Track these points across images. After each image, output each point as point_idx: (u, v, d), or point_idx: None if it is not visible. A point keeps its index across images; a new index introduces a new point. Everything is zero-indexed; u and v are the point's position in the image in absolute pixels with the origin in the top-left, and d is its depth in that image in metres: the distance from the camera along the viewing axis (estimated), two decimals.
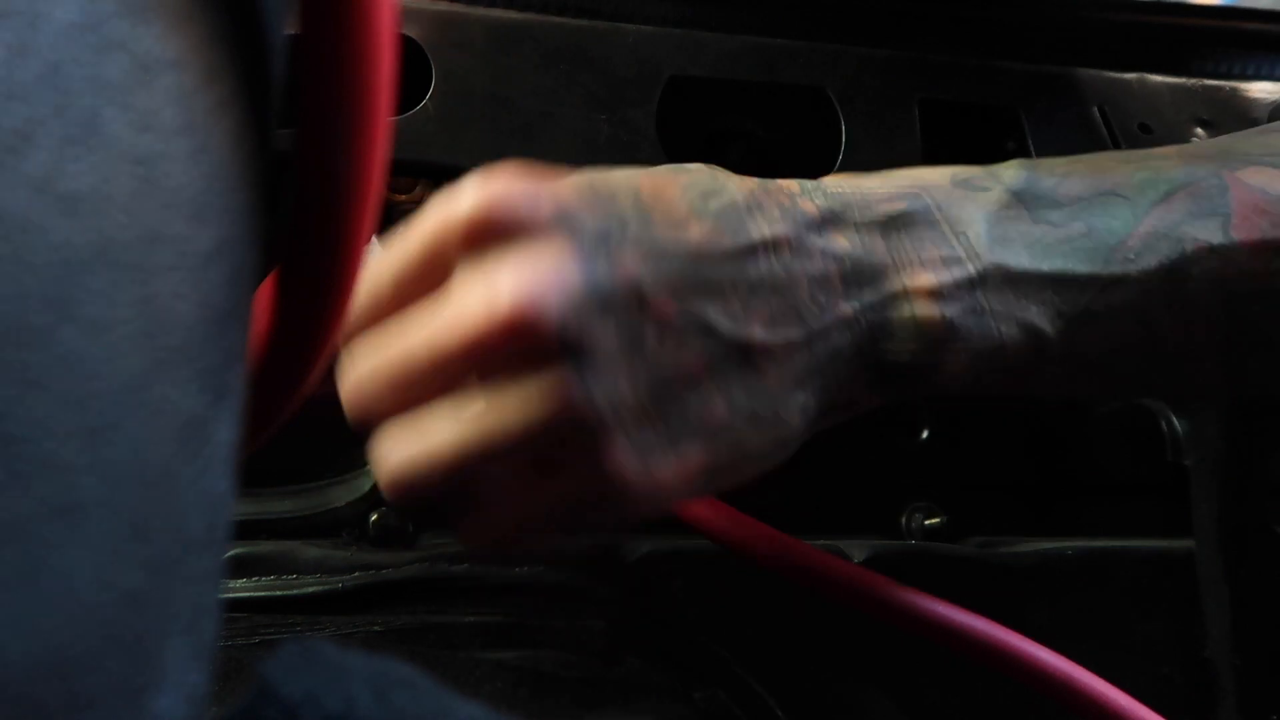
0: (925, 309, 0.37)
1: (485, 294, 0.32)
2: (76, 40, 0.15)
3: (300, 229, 0.21)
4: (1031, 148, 0.54)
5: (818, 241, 0.36)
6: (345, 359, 0.35)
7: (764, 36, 0.52)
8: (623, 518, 0.34)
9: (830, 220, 0.37)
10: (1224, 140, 0.44)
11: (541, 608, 0.47)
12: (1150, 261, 0.38)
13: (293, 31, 0.20)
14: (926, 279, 0.37)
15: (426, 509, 0.36)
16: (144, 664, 0.16)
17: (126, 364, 0.15)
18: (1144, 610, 0.55)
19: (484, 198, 0.33)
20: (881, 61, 0.53)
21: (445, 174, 0.47)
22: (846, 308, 0.36)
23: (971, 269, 0.37)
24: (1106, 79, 0.57)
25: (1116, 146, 0.55)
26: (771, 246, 0.36)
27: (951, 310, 0.37)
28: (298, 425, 0.32)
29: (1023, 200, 0.39)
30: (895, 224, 0.37)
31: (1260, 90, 0.59)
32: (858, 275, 0.36)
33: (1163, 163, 0.40)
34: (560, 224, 0.33)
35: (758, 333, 0.35)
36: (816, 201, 0.37)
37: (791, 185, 0.37)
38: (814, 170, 0.51)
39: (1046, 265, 0.38)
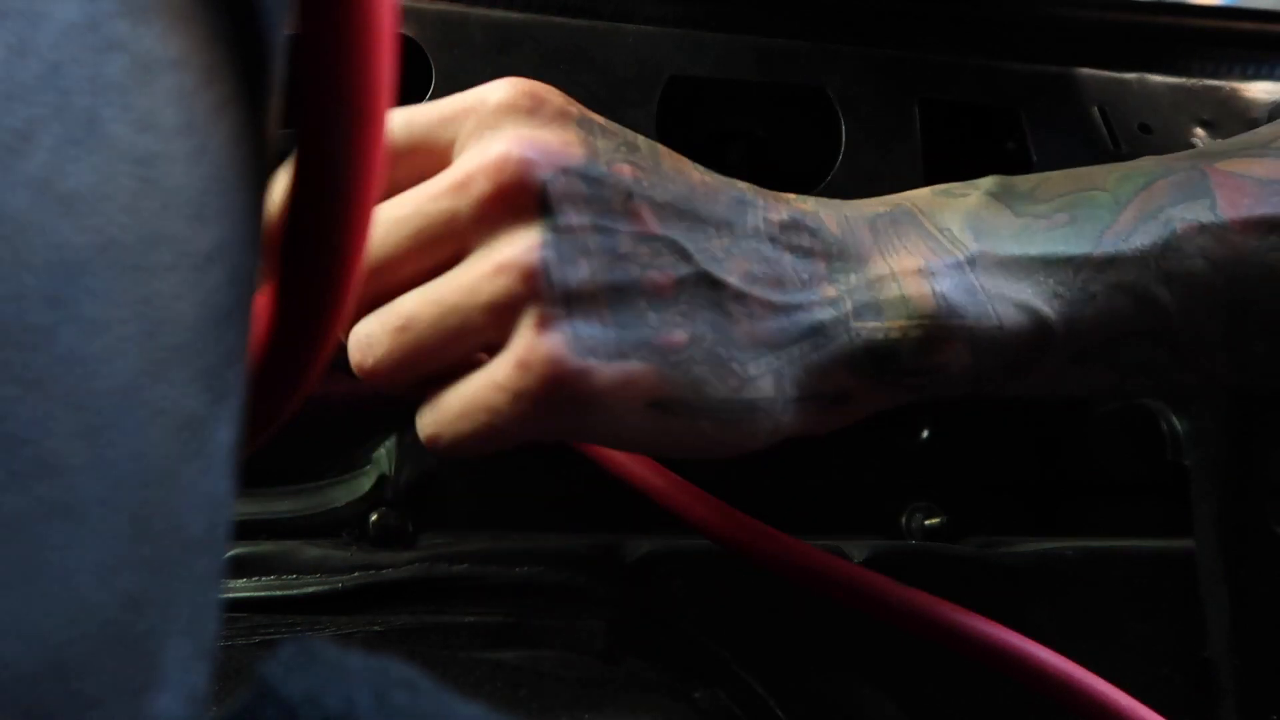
0: (914, 285, 0.36)
1: (484, 147, 0.33)
2: (76, 40, 0.15)
3: (300, 229, 0.21)
4: (1031, 148, 0.54)
5: (808, 223, 0.36)
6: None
7: (764, 36, 0.52)
8: (556, 422, 0.33)
9: (821, 209, 0.37)
10: (1197, 149, 0.44)
11: (541, 608, 0.47)
12: (1141, 241, 0.37)
13: (293, 31, 0.20)
14: (913, 260, 0.36)
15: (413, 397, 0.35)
16: (144, 664, 0.16)
17: (126, 364, 0.15)
18: (1144, 610, 0.55)
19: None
20: (881, 61, 0.53)
21: None
22: (831, 287, 0.36)
23: (959, 253, 0.37)
24: (1106, 79, 0.57)
25: (1116, 146, 0.55)
26: (763, 216, 0.36)
27: (942, 286, 0.36)
28: (298, 425, 0.32)
29: (1002, 199, 0.39)
30: (881, 220, 0.38)
31: (1260, 90, 0.59)
32: (843, 257, 0.36)
33: (1139, 164, 0.40)
34: (577, 119, 0.34)
35: (735, 279, 0.34)
36: (809, 200, 0.37)
37: (787, 195, 0.38)
38: (814, 170, 0.51)
39: (1035, 250, 0.37)
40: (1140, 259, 0.37)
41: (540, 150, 0.33)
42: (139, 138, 0.15)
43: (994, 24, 0.56)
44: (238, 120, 0.18)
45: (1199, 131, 0.57)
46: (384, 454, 0.48)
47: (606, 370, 0.32)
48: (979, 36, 0.56)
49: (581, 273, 0.32)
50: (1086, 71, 0.57)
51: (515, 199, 0.32)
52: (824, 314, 0.35)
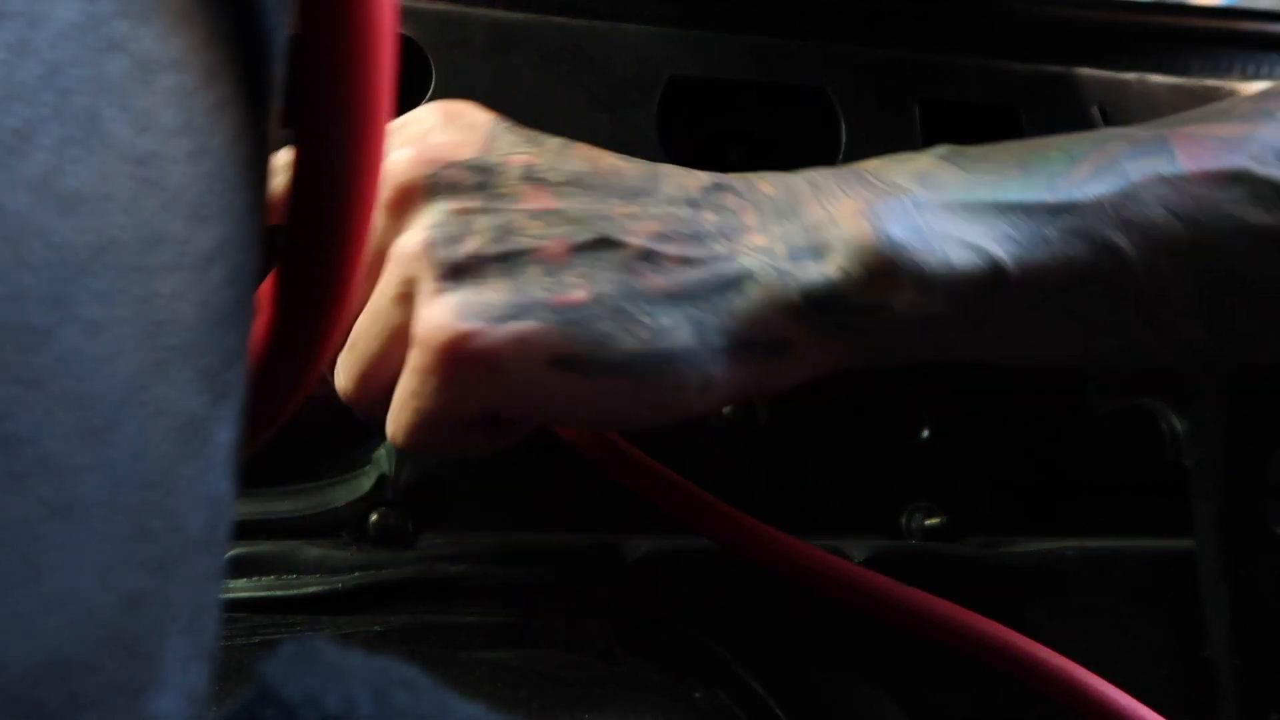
0: (853, 225, 0.35)
1: (389, 162, 0.34)
2: (76, 40, 0.15)
3: (300, 229, 0.21)
4: None
5: (735, 185, 0.36)
6: None
7: (764, 36, 0.52)
8: (467, 391, 0.33)
9: (755, 175, 0.37)
10: (1157, 120, 0.43)
11: (541, 608, 0.47)
12: (1098, 189, 0.36)
13: (293, 31, 0.20)
14: (853, 204, 0.35)
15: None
16: (144, 664, 0.16)
17: (126, 364, 0.15)
18: (1144, 610, 0.55)
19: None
20: (881, 61, 0.53)
21: None
22: (759, 237, 0.35)
23: (902, 195, 0.36)
24: (1106, 79, 0.57)
25: None
26: (680, 183, 0.36)
27: (884, 223, 0.35)
28: (298, 425, 0.32)
29: (951, 159, 0.38)
30: (822, 176, 0.37)
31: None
32: (776, 210, 0.35)
33: (1096, 131, 0.39)
34: (486, 125, 0.36)
35: (639, 239, 0.34)
36: (747, 174, 0.37)
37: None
38: None
39: (984, 196, 0.36)
40: (1096, 206, 0.36)
41: (432, 151, 0.34)
42: (139, 138, 0.15)
43: (994, 24, 0.56)
44: (238, 120, 0.18)
45: None
46: (384, 454, 0.48)
47: (498, 330, 0.32)
48: (979, 36, 0.56)
49: (468, 247, 0.33)
50: (1086, 71, 0.57)
51: (407, 197, 0.34)
52: (751, 261, 0.34)
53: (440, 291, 0.33)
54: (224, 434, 0.18)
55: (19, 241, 0.14)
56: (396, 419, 0.35)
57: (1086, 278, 0.36)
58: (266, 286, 0.22)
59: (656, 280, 0.34)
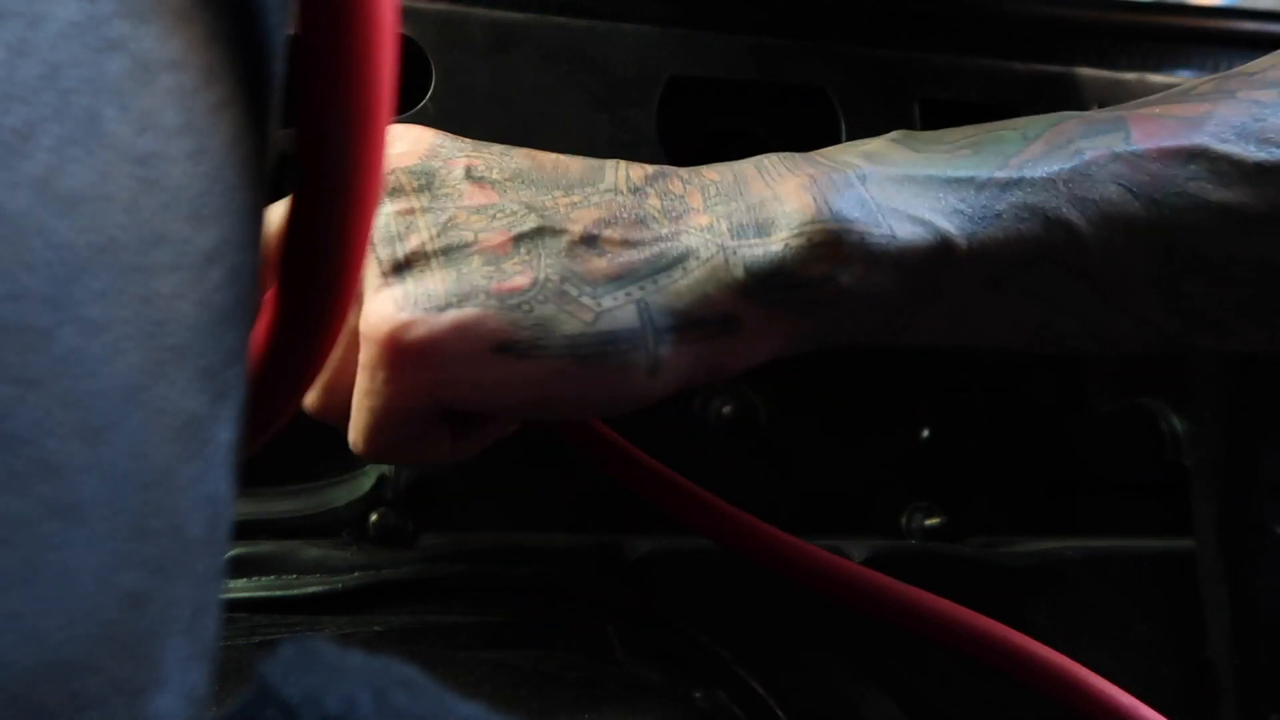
0: (797, 199, 0.34)
1: None
2: (76, 40, 0.15)
3: (300, 229, 0.21)
4: None
5: (679, 173, 0.36)
6: None
7: (764, 36, 0.52)
8: (412, 381, 0.33)
9: (703, 165, 0.37)
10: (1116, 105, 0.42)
11: (541, 608, 0.47)
12: (1049, 166, 0.36)
13: (293, 31, 0.20)
14: (798, 179, 0.35)
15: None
16: (144, 664, 0.16)
17: (126, 364, 0.15)
18: (1144, 610, 0.55)
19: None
20: (881, 61, 0.53)
21: None
22: (704, 216, 0.35)
23: (848, 171, 0.35)
24: (1106, 79, 0.57)
25: None
26: (624, 174, 0.36)
27: (829, 198, 0.34)
28: (298, 425, 0.32)
29: (903, 141, 0.37)
30: (769, 159, 0.37)
31: None
32: (721, 191, 0.35)
33: (1054, 113, 0.39)
34: (431, 139, 0.36)
35: (581, 226, 0.34)
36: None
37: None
38: None
39: (933, 171, 0.36)
40: (1048, 182, 0.35)
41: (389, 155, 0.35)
42: (139, 138, 0.15)
43: (994, 24, 0.56)
44: (238, 120, 0.18)
45: None
46: None
47: (439, 318, 0.33)
48: (979, 36, 0.56)
49: (411, 243, 0.34)
50: (1086, 71, 0.57)
51: None
52: (694, 240, 0.34)
53: (383, 286, 0.33)
54: (224, 434, 0.18)
55: (19, 241, 0.14)
56: (354, 423, 0.35)
57: (1039, 254, 0.36)
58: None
59: (598, 263, 0.34)
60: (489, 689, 0.42)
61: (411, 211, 0.34)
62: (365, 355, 0.33)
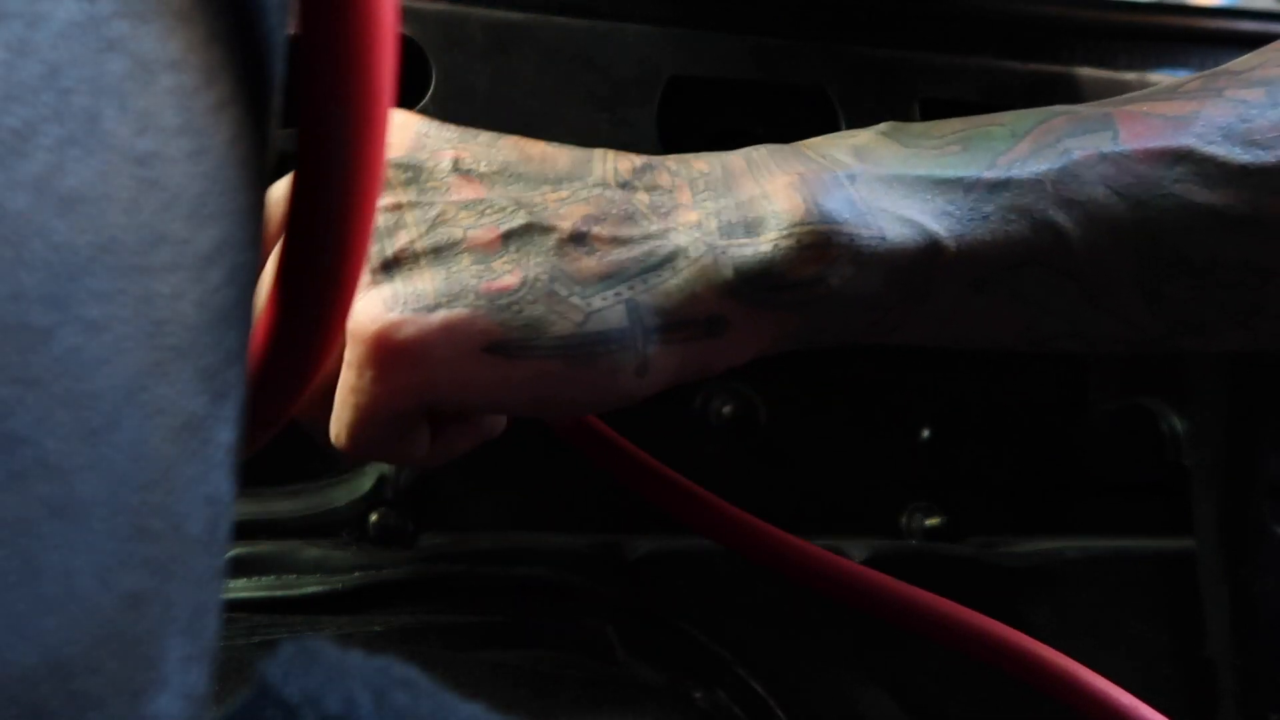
0: (785, 198, 0.34)
1: None
2: (76, 40, 0.15)
3: (300, 229, 0.21)
4: None
5: (668, 164, 0.36)
6: None
7: (764, 36, 0.52)
8: (401, 381, 0.33)
9: (691, 155, 0.37)
10: (1104, 100, 0.42)
11: (541, 608, 0.47)
12: (1037, 167, 0.35)
13: (293, 31, 0.20)
14: (786, 178, 0.35)
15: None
16: (144, 664, 0.16)
17: (126, 364, 0.15)
18: (1144, 610, 0.55)
19: None
20: (881, 61, 0.53)
21: None
22: (692, 213, 0.35)
23: (837, 170, 0.35)
24: (1106, 79, 0.57)
25: None
26: (613, 166, 0.36)
27: (816, 196, 0.34)
28: (298, 425, 0.32)
29: (891, 135, 0.37)
30: (758, 153, 0.37)
31: None
32: (710, 185, 0.35)
33: (1041, 108, 0.39)
34: (416, 127, 0.36)
35: (570, 223, 0.34)
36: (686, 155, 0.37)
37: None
38: None
39: (920, 171, 0.36)
40: (1035, 183, 0.35)
41: None
42: (139, 138, 0.15)
43: (994, 24, 0.56)
44: (238, 120, 0.18)
45: None
46: None
47: (428, 318, 0.32)
48: (979, 36, 0.56)
49: (399, 241, 0.33)
50: (1086, 71, 0.57)
51: None
52: (682, 238, 0.34)
53: (371, 285, 0.33)
54: (224, 434, 0.18)
55: (19, 241, 0.14)
56: (338, 419, 0.35)
57: (1026, 256, 0.36)
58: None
59: (588, 262, 0.34)
60: (489, 689, 0.42)
61: (399, 207, 0.34)
62: (352, 353, 0.33)
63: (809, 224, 0.34)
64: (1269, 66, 0.39)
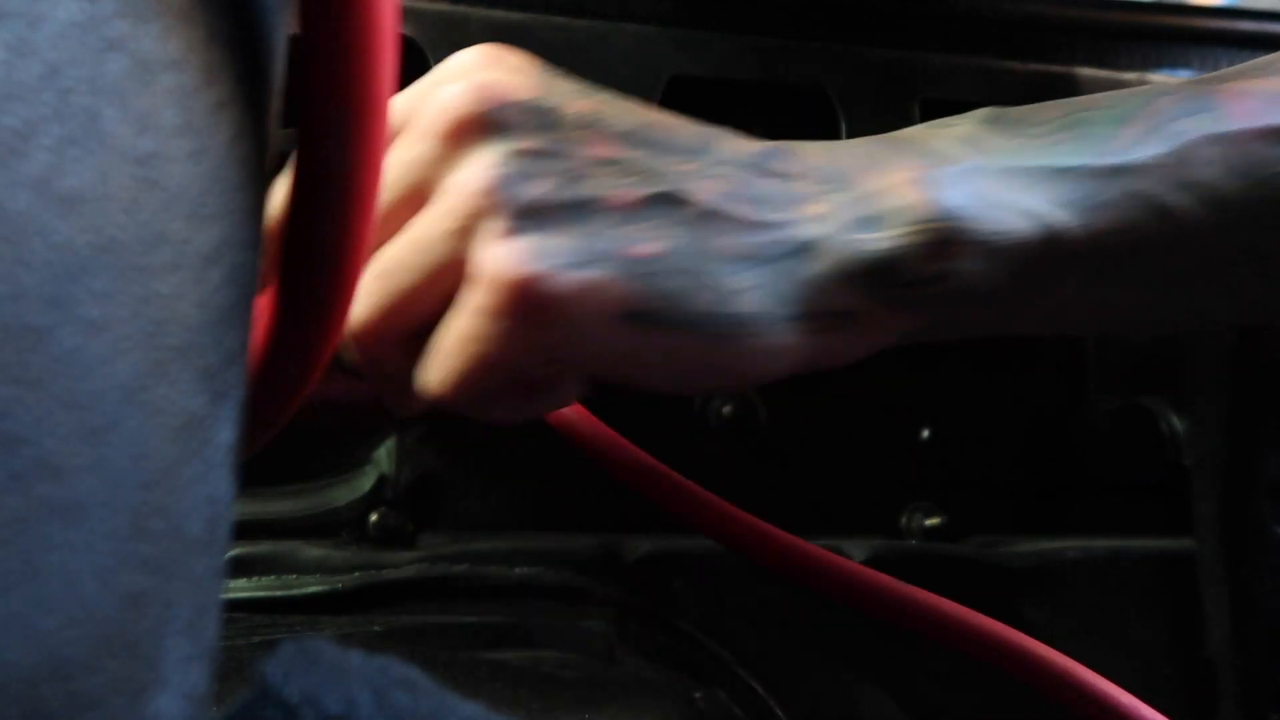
0: (910, 194, 0.34)
1: (439, 95, 0.33)
2: (76, 40, 0.15)
3: (300, 229, 0.21)
4: None
5: (787, 150, 0.35)
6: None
7: (764, 36, 0.52)
8: (532, 337, 0.32)
9: (802, 144, 0.36)
10: (1198, 76, 0.42)
11: (541, 608, 0.47)
12: (1149, 151, 0.35)
13: (293, 31, 0.20)
14: (907, 173, 0.35)
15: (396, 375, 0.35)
16: (144, 664, 0.16)
17: (126, 364, 0.15)
18: (1144, 610, 0.55)
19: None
20: (881, 61, 0.53)
21: None
22: (818, 205, 0.34)
23: (953, 164, 0.35)
24: (1106, 79, 0.57)
25: None
26: (737, 147, 0.35)
27: (940, 193, 0.34)
28: (298, 425, 0.32)
29: (995, 125, 0.37)
30: (869, 145, 0.37)
31: None
32: (831, 179, 0.35)
33: (1139, 88, 0.39)
34: (538, 68, 0.34)
35: (706, 197, 0.33)
36: (789, 142, 0.37)
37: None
38: None
39: (1037, 161, 0.36)
40: (1151, 168, 0.35)
41: (490, 87, 0.33)
42: (139, 138, 0.15)
43: (994, 24, 0.56)
44: (238, 120, 0.18)
45: None
46: (384, 454, 0.48)
47: (571, 276, 0.31)
48: (979, 36, 0.56)
49: (538, 189, 0.32)
50: (1086, 71, 0.57)
51: (468, 130, 0.32)
52: (813, 230, 0.34)
53: (511, 232, 0.31)
54: (224, 434, 0.18)
55: (19, 241, 0.14)
56: (445, 364, 0.33)
57: (1145, 241, 0.35)
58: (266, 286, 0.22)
59: (725, 241, 0.33)
60: (489, 689, 0.42)
61: (534, 153, 0.32)
62: (484, 300, 0.32)
63: (933, 220, 0.34)
64: None
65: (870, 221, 0.34)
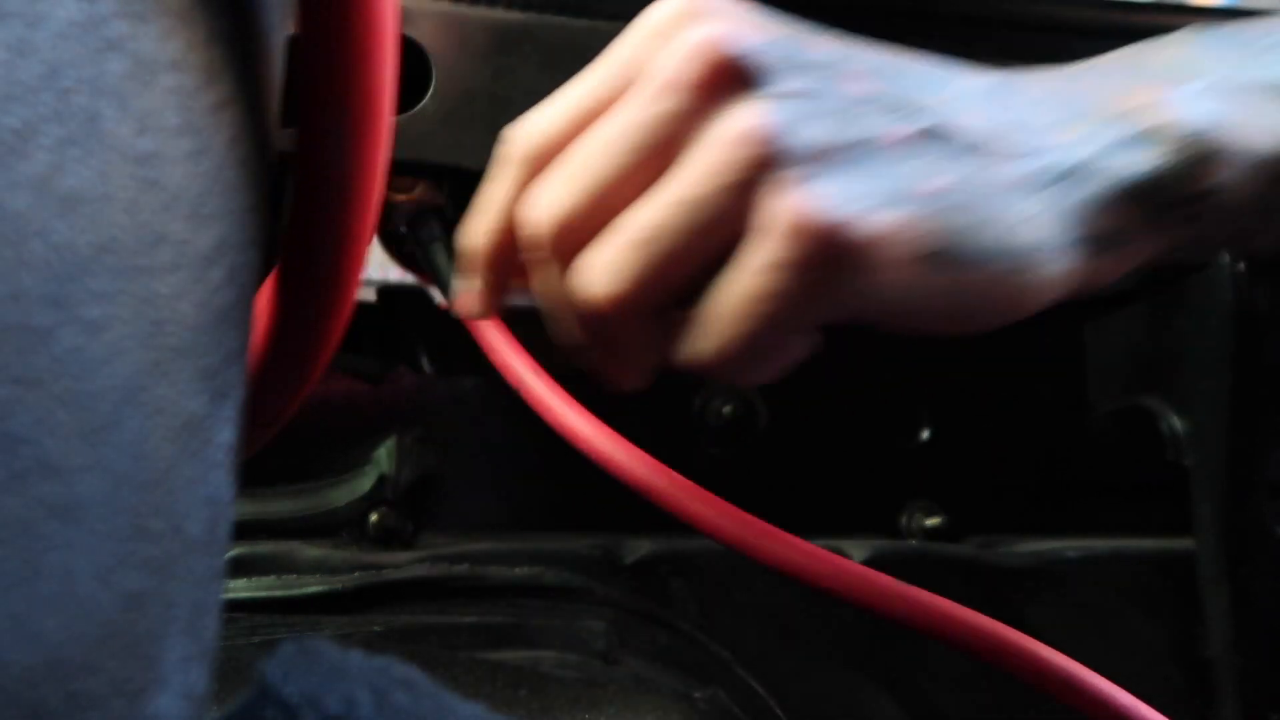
0: (1164, 113, 0.34)
1: (678, 45, 0.31)
2: (76, 40, 0.15)
3: (300, 229, 0.21)
4: None
5: (1026, 75, 0.35)
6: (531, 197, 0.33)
7: None
8: (833, 288, 0.30)
9: (1026, 73, 0.36)
10: None
11: (541, 608, 0.47)
12: None
13: (293, 31, 0.20)
14: (1150, 94, 0.35)
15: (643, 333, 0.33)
16: (144, 664, 0.16)
17: (126, 364, 0.15)
18: (1144, 610, 0.55)
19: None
20: None
21: (445, 174, 0.47)
22: (1074, 129, 0.34)
23: (1191, 85, 0.35)
24: None
25: None
26: (976, 75, 0.34)
27: (1192, 112, 0.34)
28: (298, 425, 0.32)
29: (1207, 44, 0.37)
30: (1097, 67, 0.36)
31: None
32: (1077, 102, 0.35)
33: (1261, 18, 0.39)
34: (757, 12, 0.33)
35: (972, 126, 0.32)
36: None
37: None
38: None
39: (1262, 77, 0.36)
40: None
41: (733, 33, 0.31)
42: (139, 138, 0.15)
43: (994, 24, 0.56)
44: (238, 120, 0.18)
45: None
46: (384, 454, 0.48)
47: (877, 218, 0.30)
48: (980, 36, 0.56)
49: (817, 131, 0.30)
50: None
51: (726, 77, 0.31)
52: (1077, 154, 0.33)
53: (804, 179, 0.30)
54: (224, 434, 0.18)
55: (19, 241, 0.14)
56: (723, 328, 0.31)
57: None
58: (266, 286, 0.22)
59: (998, 171, 0.32)
60: (489, 689, 0.42)
61: (797, 95, 0.31)
62: (784, 254, 0.30)
63: (1192, 137, 0.34)
64: None
65: (1132, 142, 0.34)
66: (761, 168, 0.30)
